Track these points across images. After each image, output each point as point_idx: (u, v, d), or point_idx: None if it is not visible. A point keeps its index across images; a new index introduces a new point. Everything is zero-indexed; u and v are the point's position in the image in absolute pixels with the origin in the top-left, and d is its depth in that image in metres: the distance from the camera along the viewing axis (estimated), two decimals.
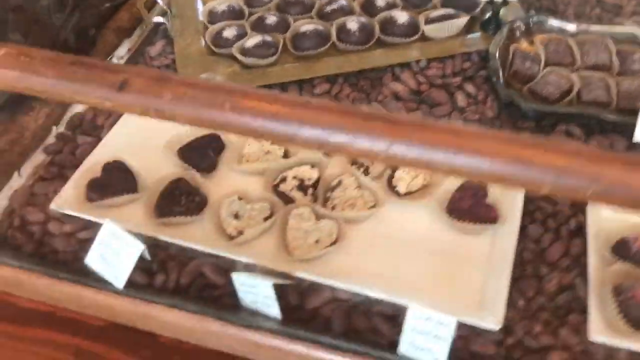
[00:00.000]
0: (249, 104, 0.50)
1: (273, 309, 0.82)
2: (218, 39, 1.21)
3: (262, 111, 0.50)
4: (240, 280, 0.81)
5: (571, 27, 1.19)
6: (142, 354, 0.87)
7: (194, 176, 0.96)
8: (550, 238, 0.91)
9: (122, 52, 1.25)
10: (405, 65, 1.17)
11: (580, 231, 0.91)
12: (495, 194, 0.93)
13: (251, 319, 0.82)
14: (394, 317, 0.83)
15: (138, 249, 0.84)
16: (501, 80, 1.09)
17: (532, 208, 0.94)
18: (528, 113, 1.08)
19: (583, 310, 0.81)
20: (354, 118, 0.48)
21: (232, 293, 0.85)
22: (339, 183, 0.95)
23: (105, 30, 1.28)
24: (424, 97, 1.12)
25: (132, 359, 0.87)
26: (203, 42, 1.23)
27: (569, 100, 1.06)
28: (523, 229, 0.91)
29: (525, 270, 0.87)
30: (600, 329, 0.78)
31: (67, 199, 0.94)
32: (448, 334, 0.75)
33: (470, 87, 1.13)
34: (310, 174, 0.96)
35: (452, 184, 0.95)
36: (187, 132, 1.03)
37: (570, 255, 0.89)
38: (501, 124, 1.08)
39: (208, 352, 0.86)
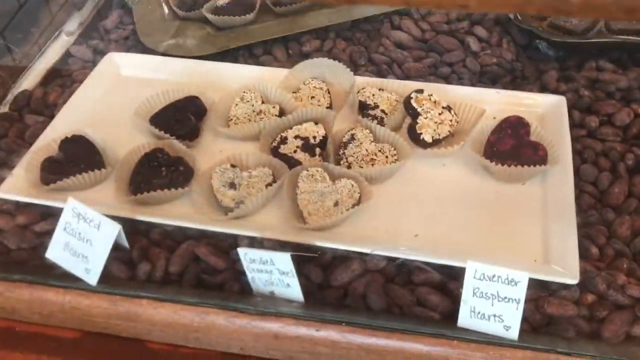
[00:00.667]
0: None
1: (293, 289, 0.64)
2: (183, 2, 1.05)
3: None
4: (250, 257, 0.64)
5: None
6: None
7: (174, 144, 0.78)
8: (608, 178, 0.76)
9: (72, 27, 1.07)
10: (403, 13, 1.03)
11: (638, 167, 0.77)
12: (537, 130, 0.78)
13: (266, 305, 0.65)
14: (443, 284, 0.67)
15: (112, 231, 0.66)
16: (519, 17, 0.95)
17: (579, 147, 0.80)
18: (549, 52, 0.95)
19: None
20: None
21: (239, 276, 0.68)
22: (352, 138, 0.79)
23: (50, 4, 1.10)
24: (431, 45, 0.97)
25: None
26: (166, 7, 1.06)
27: (597, 31, 0.93)
28: (575, 171, 0.76)
29: (589, 215, 0.73)
30: None
31: (17, 184, 0.75)
32: (520, 293, 0.60)
33: (480, 31, 0.99)
34: (315, 131, 0.79)
35: (484, 125, 0.80)
36: (158, 98, 0.85)
37: (636, 195, 0.74)
38: (523, 66, 0.94)
39: (212, 355, 0.68)
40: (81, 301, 0.67)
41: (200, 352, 0.68)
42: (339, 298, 0.67)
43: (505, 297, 0.60)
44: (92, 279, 0.67)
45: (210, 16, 1.01)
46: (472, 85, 0.90)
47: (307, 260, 0.68)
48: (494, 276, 0.60)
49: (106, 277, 0.67)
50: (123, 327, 0.68)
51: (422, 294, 0.66)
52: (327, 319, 0.63)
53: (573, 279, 0.63)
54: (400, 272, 0.68)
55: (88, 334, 0.70)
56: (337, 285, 0.67)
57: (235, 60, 0.97)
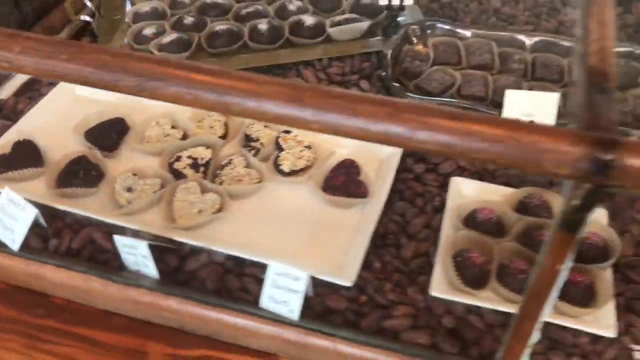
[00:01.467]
0: (85, 55, 0.59)
1: (151, 269, 0.90)
2: (138, 37, 1.31)
3: (94, 60, 0.59)
4: (121, 242, 0.89)
5: (462, 31, 1.30)
6: (36, 313, 0.94)
7: (95, 154, 1.04)
8: (415, 213, 1.00)
9: None
10: (309, 64, 1.27)
11: (442, 208, 1.00)
12: (369, 173, 1.02)
13: (132, 278, 0.90)
14: (263, 278, 0.91)
15: (32, 213, 0.92)
16: (389, 75, 1.19)
17: (403, 187, 1.04)
18: None
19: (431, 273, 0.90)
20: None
21: (119, 256, 0.93)
22: (229, 162, 1.04)
23: (36, 27, 1.37)
24: None
25: (27, 317, 0.94)
26: (125, 40, 1.33)
27: (449, 95, 1.17)
28: (393, 204, 1.00)
29: (387, 239, 0.96)
30: (440, 287, 0.87)
31: None
32: (301, 287, 0.84)
33: (365, 84, 1.23)
34: (203, 154, 1.05)
35: (330, 163, 1.04)
36: (94, 116, 1.11)
37: (430, 228, 0.98)
38: None
39: (95, 311, 0.93)
40: (7, 262, 0.94)
41: (87, 308, 0.94)
42: (187, 280, 0.92)
43: (291, 289, 0.84)
44: (15, 246, 0.93)
45: (155, 51, 1.27)
46: None
47: (170, 250, 0.93)
48: (285, 273, 0.84)
49: (26, 246, 0.93)
50: (34, 283, 0.94)
51: (246, 283, 0.90)
52: (171, 292, 0.88)
53: (349, 282, 0.87)
54: (237, 265, 0.93)
55: (11, 286, 0.96)
56: (188, 270, 0.92)
57: None
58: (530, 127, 0.52)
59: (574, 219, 0.55)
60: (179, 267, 0.93)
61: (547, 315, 0.67)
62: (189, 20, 1.33)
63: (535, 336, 0.70)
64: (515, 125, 0.52)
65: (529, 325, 0.68)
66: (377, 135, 0.54)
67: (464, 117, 0.52)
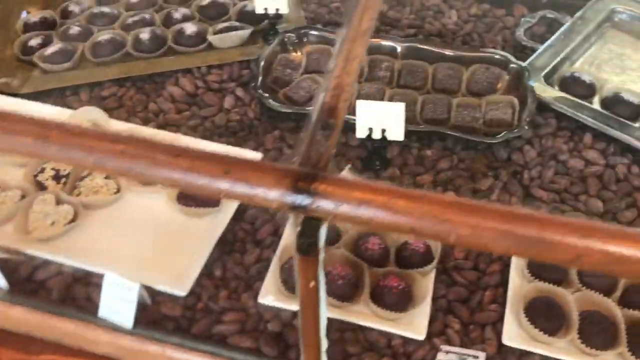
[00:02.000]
0: None
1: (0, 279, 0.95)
2: (25, 48, 1.34)
3: None
4: None
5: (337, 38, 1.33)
6: None
7: None
8: (265, 220, 1.05)
9: None
10: (189, 71, 1.31)
11: None
12: None
13: None
14: None
15: None
16: (258, 84, 1.23)
17: None
18: (289, 115, 1.23)
19: None
20: None
21: None
22: (89, 173, 1.08)
23: None
24: (197, 100, 1.26)
25: None
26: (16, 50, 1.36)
27: (310, 105, 1.21)
28: (245, 212, 1.05)
29: (234, 246, 1.01)
30: (268, 294, 0.92)
31: None
32: (133, 297, 0.89)
33: (240, 92, 1.27)
34: (66, 166, 1.09)
35: None
36: None
37: (277, 235, 1.03)
38: (258, 125, 1.22)
39: None
40: None
41: None
42: (36, 289, 0.96)
43: (125, 299, 0.89)
44: None
45: (38, 62, 1.30)
46: (213, 136, 1.18)
47: (22, 261, 0.98)
48: (118, 284, 0.89)
49: None
50: None
51: (91, 292, 0.95)
52: (17, 302, 0.93)
53: (183, 292, 0.92)
54: (85, 275, 0.98)
55: None
56: (37, 280, 0.97)
57: (47, 98, 1.25)
58: (245, 164, 0.57)
59: (304, 244, 0.60)
60: (29, 277, 0.98)
61: (325, 318, 0.73)
62: (75, 30, 1.37)
63: (324, 343, 0.76)
64: (233, 161, 0.57)
65: (313, 334, 0.74)
66: (113, 169, 0.58)
67: (187, 153, 0.57)
